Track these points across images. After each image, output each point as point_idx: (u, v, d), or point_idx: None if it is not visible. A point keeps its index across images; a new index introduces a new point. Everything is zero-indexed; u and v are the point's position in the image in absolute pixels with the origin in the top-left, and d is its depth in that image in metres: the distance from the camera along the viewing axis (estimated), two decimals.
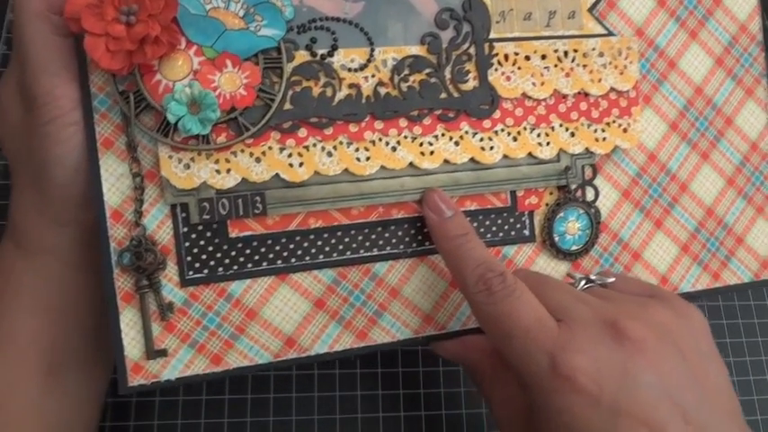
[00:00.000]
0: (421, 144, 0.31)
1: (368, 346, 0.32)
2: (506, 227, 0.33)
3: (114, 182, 0.29)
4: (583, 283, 0.31)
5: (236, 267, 0.30)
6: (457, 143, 0.32)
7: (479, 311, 0.29)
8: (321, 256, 0.31)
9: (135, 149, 0.28)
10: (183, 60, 0.28)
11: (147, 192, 0.29)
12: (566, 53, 0.33)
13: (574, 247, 0.34)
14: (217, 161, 0.29)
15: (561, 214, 0.33)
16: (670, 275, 0.35)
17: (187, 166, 0.29)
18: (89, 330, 0.32)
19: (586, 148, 0.33)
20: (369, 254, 0.31)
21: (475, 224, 0.32)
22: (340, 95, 0.30)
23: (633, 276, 0.34)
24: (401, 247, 0.32)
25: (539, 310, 0.28)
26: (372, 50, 0.31)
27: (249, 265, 0.30)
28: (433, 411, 0.40)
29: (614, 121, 0.34)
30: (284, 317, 0.31)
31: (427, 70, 0.31)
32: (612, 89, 0.33)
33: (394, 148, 0.31)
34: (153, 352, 0.29)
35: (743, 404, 0.42)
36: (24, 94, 0.28)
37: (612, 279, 0.31)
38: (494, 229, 0.33)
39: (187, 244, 0.29)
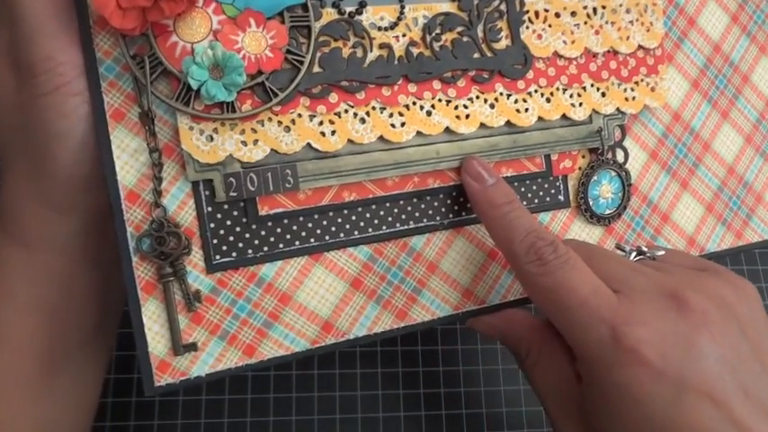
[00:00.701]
0: (456, 107, 0.29)
1: (408, 325, 0.30)
2: (541, 193, 0.32)
3: (128, 159, 0.25)
4: (634, 254, 0.30)
5: (266, 248, 0.27)
6: (492, 105, 0.30)
7: (531, 283, 0.27)
8: (356, 232, 0.29)
9: (152, 121, 0.25)
10: (201, 19, 0.25)
11: (165, 169, 0.26)
12: (594, 10, 0.31)
13: (607, 211, 0.33)
14: (242, 132, 0.26)
15: (595, 177, 0.32)
16: (697, 236, 0.35)
17: (210, 138, 0.26)
18: (88, 330, 0.28)
19: (617, 108, 0.32)
20: (405, 227, 0.29)
21: None
22: (371, 56, 0.28)
23: (677, 249, 0.34)
24: (438, 218, 0.30)
25: (594, 279, 0.26)
26: (402, 7, 0.28)
27: (281, 246, 0.27)
28: (432, 411, 0.40)
29: (642, 80, 0.33)
30: (320, 299, 0.28)
31: (459, 28, 0.29)
32: (640, 47, 0.32)
33: (429, 113, 0.29)
34: (181, 347, 0.26)
35: None
36: (17, 61, 0.24)
37: (663, 252, 0.30)
38: (529, 195, 0.31)
39: (212, 225, 0.27)
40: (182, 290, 0.26)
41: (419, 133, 0.29)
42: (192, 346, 0.26)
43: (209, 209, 0.26)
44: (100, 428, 0.35)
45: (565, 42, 0.31)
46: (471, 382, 0.41)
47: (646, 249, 0.30)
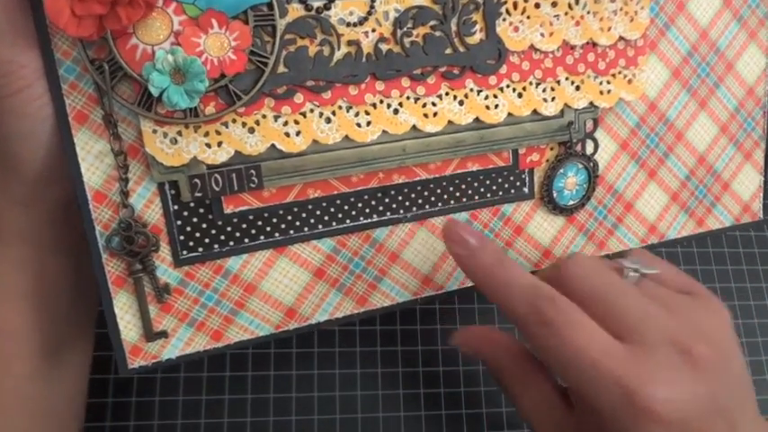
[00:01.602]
0: (424, 105, 0.29)
1: (368, 310, 0.31)
2: (506, 185, 0.32)
3: (93, 161, 0.26)
4: (632, 274, 0.30)
5: (232, 243, 0.28)
6: (461, 102, 0.30)
7: (535, 343, 0.27)
8: (320, 226, 0.30)
9: (115, 125, 0.25)
10: (162, 20, 0.24)
11: (131, 169, 0.26)
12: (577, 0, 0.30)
13: (571, 202, 0.34)
14: (206, 134, 0.26)
15: (561, 170, 0.33)
16: (658, 224, 0.36)
17: (174, 141, 0.26)
18: (68, 315, 0.30)
19: (590, 102, 0.32)
20: (369, 220, 0.30)
21: (475, 184, 0.31)
22: (338, 54, 0.27)
23: (669, 265, 0.34)
24: (401, 211, 0.31)
25: (602, 336, 0.26)
26: (373, 1, 0.27)
27: (246, 240, 0.29)
28: (432, 411, 0.40)
29: (620, 72, 0.32)
30: (284, 288, 0.30)
31: (432, 22, 0.28)
32: (621, 38, 0.31)
33: (396, 111, 0.29)
34: (152, 334, 0.28)
35: None
36: None
37: (658, 270, 0.31)
38: (494, 188, 0.32)
39: (179, 222, 0.27)
40: (152, 283, 0.28)
41: (384, 132, 0.29)
42: (163, 334, 0.28)
43: (176, 207, 0.27)
44: (100, 428, 0.36)
45: (542, 35, 0.30)
46: (471, 382, 0.41)
47: (644, 271, 0.30)
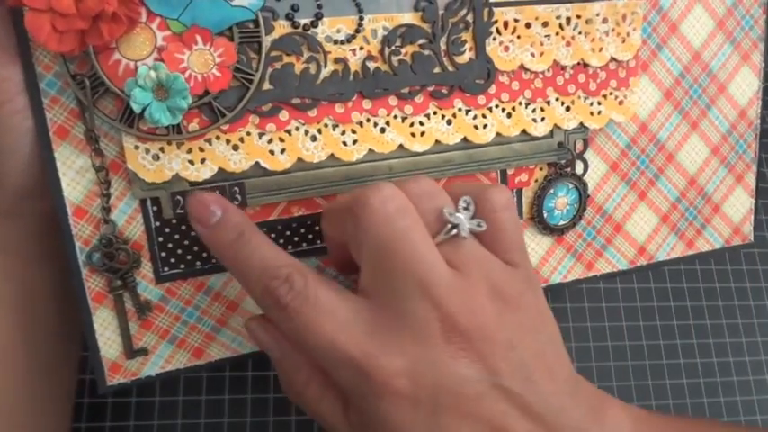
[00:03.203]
0: (411, 124, 0.29)
1: None
2: None
3: (74, 176, 0.25)
4: (453, 232, 0.25)
5: (214, 260, 0.28)
6: (449, 122, 0.29)
7: (280, 328, 0.25)
8: (304, 244, 0.29)
9: (96, 141, 0.25)
10: (146, 36, 0.24)
11: (113, 184, 0.26)
12: (568, 20, 0.30)
13: (561, 223, 0.33)
14: (189, 150, 0.26)
15: (551, 191, 0.32)
16: (648, 245, 0.36)
17: (156, 158, 0.26)
18: (55, 326, 0.30)
19: (581, 123, 0.32)
20: None
21: None
22: (325, 72, 0.27)
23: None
24: None
25: (340, 313, 0.24)
26: (361, 19, 0.27)
27: None
28: None
29: (611, 93, 0.32)
30: None
31: (421, 41, 0.28)
32: (613, 59, 0.31)
33: (383, 130, 0.28)
34: (132, 351, 0.28)
35: (743, 404, 0.44)
36: None
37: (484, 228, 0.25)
38: None
39: (160, 239, 0.27)
40: (132, 300, 0.27)
41: (371, 150, 0.28)
42: (143, 351, 0.28)
43: (157, 224, 0.27)
44: (99, 429, 0.36)
45: (533, 55, 0.30)
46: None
47: (469, 227, 0.25)
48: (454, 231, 0.24)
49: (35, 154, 0.25)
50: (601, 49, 0.31)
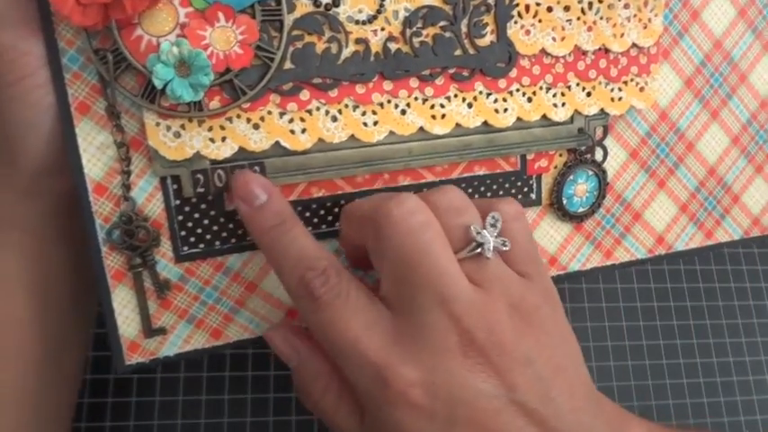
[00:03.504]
0: (432, 107, 0.29)
1: None
2: (513, 191, 0.32)
3: (95, 152, 0.25)
4: (477, 250, 0.25)
5: (233, 240, 0.28)
6: (470, 105, 0.29)
7: (305, 320, 0.25)
8: (324, 226, 0.29)
9: (118, 117, 0.25)
10: (168, 12, 0.24)
11: (133, 162, 0.26)
12: (590, 4, 0.30)
13: (580, 210, 0.33)
14: (210, 128, 0.26)
15: (571, 177, 0.32)
16: (666, 235, 0.35)
17: (177, 135, 0.26)
18: (69, 308, 0.30)
19: (601, 109, 0.31)
20: None
21: (482, 188, 0.31)
22: (346, 52, 0.27)
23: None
24: None
25: (368, 316, 0.24)
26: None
27: (248, 238, 0.28)
28: None
29: (632, 80, 0.32)
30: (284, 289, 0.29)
31: (442, 23, 0.28)
32: (634, 45, 0.31)
33: (403, 112, 0.28)
34: (151, 330, 0.27)
35: (743, 404, 0.44)
36: None
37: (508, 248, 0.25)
38: (501, 193, 0.31)
39: (180, 218, 0.27)
40: (152, 279, 0.27)
41: (391, 132, 0.28)
42: (161, 330, 0.28)
43: (177, 202, 0.27)
44: (99, 428, 0.36)
45: (554, 39, 0.30)
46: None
47: (494, 245, 0.25)
48: (478, 250, 0.25)
49: (55, 130, 0.25)
50: (622, 35, 0.31)
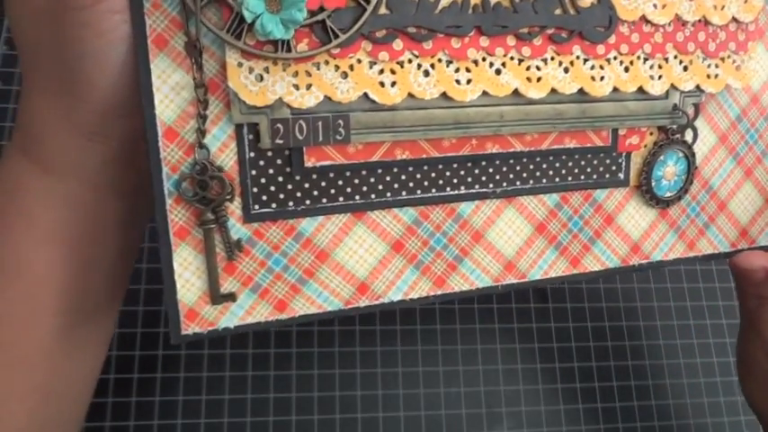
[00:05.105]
0: (528, 68, 0.27)
1: (446, 293, 0.28)
2: (602, 168, 0.29)
3: (168, 92, 0.23)
4: None
5: (308, 202, 0.25)
6: (566, 70, 0.27)
7: None
8: (404, 193, 0.27)
9: (200, 53, 0.22)
10: None
11: (209, 106, 0.23)
12: None
13: (667, 194, 0.31)
14: (296, 74, 0.24)
15: (661, 157, 0.30)
16: (750, 228, 0.33)
17: (260, 78, 0.23)
18: (107, 269, 0.27)
19: (697, 86, 0.29)
20: (455, 192, 0.27)
21: (570, 164, 0.29)
22: (444, 2, 0.25)
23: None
24: (491, 186, 0.28)
25: None
26: None
27: (324, 200, 0.26)
28: (433, 411, 0.39)
29: (729, 57, 0.30)
30: (358, 260, 0.27)
31: None
32: (734, 19, 0.29)
33: (498, 71, 0.26)
34: (219, 296, 0.25)
35: (743, 404, 0.42)
36: None
37: None
38: (588, 170, 0.29)
39: (254, 172, 0.24)
40: (223, 238, 0.24)
41: (484, 93, 0.26)
42: (231, 296, 0.25)
43: (252, 154, 0.24)
44: (100, 428, 0.35)
45: (655, 6, 0.28)
46: (471, 382, 0.40)
47: None
48: None
49: (126, 65, 0.22)
50: (723, 7, 0.29)
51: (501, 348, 0.41)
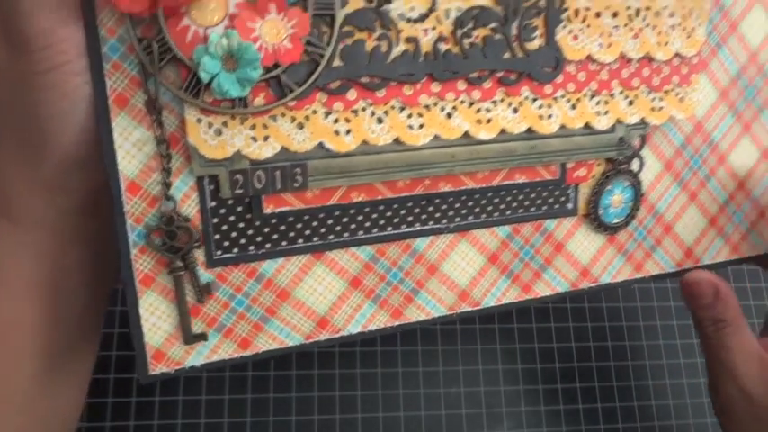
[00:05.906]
0: (478, 110, 0.28)
1: (402, 324, 0.30)
2: (551, 200, 0.31)
3: (130, 148, 0.24)
4: None
5: (268, 246, 0.27)
6: (516, 110, 0.28)
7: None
8: (360, 233, 0.28)
9: (159, 111, 0.23)
10: (218, 2, 0.23)
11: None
12: (638, 11, 0.29)
13: (615, 221, 0.32)
14: (253, 126, 0.25)
15: (609, 187, 0.31)
16: (695, 248, 0.35)
17: (219, 132, 0.24)
18: (80, 314, 0.28)
19: (642, 119, 0.31)
20: (411, 229, 0.29)
21: (520, 197, 0.30)
22: (396, 51, 0.26)
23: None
24: (444, 221, 0.29)
25: None
26: None
27: (283, 243, 0.27)
28: (433, 411, 0.40)
29: (673, 90, 0.31)
30: (318, 297, 0.28)
31: (493, 24, 0.27)
32: (677, 54, 0.30)
33: (449, 115, 0.27)
34: (191, 336, 0.26)
35: None
36: (10, 33, 0.22)
37: None
38: (538, 202, 0.31)
39: (215, 220, 0.26)
40: (192, 283, 0.25)
41: (436, 136, 0.27)
42: (202, 336, 0.26)
43: (213, 204, 0.25)
44: (100, 428, 0.35)
45: (601, 45, 0.29)
46: (470, 382, 0.41)
47: None
48: None
49: (88, 123, 0.23)
50: (667, 43, 0.30)
51: (501, 348, 0.42)
